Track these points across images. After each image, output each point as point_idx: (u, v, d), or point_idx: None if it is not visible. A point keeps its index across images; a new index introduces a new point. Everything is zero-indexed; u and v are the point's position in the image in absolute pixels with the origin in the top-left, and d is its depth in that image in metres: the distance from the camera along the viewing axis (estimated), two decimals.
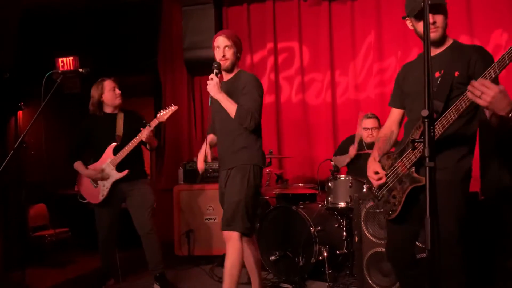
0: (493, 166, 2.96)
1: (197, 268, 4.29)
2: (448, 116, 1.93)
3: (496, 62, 1.76)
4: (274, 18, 5.18)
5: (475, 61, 2.02)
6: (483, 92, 1.71)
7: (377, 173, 2.24)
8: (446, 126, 1.94)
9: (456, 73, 2.02)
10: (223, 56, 2.82)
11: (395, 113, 2.38)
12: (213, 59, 5.14)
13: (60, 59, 5.66)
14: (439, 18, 2.07)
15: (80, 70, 3.10)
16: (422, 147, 1.94)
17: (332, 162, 4.12)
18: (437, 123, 1.94)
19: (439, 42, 2.13)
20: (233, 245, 2.75)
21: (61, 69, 5.61)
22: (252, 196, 2.82)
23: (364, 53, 4.87)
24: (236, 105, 2.73)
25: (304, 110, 5.09)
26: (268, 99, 5.19)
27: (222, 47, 2.83)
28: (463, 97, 1.87)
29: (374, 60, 4.79)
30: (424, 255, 2.84)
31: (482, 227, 3.01)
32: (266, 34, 5.21)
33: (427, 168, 1.33)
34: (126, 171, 3.50)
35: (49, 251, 4.94)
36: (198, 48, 5.17)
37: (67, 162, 3.62)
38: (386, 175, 2.22)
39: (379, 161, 2.29)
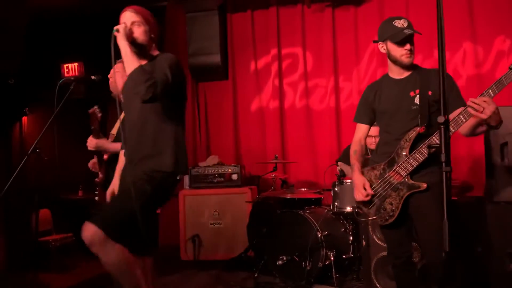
0: (498, 172, 3.01)
1: (202, 272, 4.31)
2: (432, 141, 2.20)
3: (495, 83, 2.06)
4: (278, 24, 5.24)
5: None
6: (484, 107, 2.02)
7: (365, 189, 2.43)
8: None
9: (430, 93, 2.29)
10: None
11: (363, 129, 2.65)
12: (217, 65, 5.26)
13: (65, 65, 5.69)
14: (413, 46, 2.37)
15: (92, 77, 3.09)
16: (418, 157, 2.25)
17: (338, 167, 4.15)
18: (434, 136, 2.21)
19: (409, 66, 2.40)
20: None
21: (66, 75, 5.64)
22: (141, 206, 2.17)
23: (368, 59, 4.93)
24: (138, 64, 2.19)
25: (308, 115, 5.13)
26: (272, 104, 5.24)
27: (128, 25, 2.32)
28: (462, 112, 2.13)
29: (377, 66, 4.85)
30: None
31: (486, 231, 3.05)
32: (270, 40, 5.26)
33: (444, 172, 1.37)
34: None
35: (54, 256, 4.95)
36: (202, 54, 5.22)
37: None
38: (375, 187, 2.42)
39: (363, 174, 2.50)
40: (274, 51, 5.24)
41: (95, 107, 2.96)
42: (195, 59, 5.24)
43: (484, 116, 2.03)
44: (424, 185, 2.25)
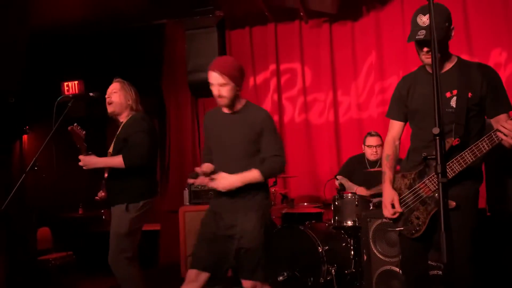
0: (498, 183, 3.00)
1: None
2: (466, 157, 2.03)
3: None
4: (276, 40, 5.28)
5: (487, 83, 2.10)
6: None
7: (393, 206, 2.26)
8: (478, 155, 2.02)
9: (470, 94, 2.08)
10: (219, 95, 2.51)
11: (396, 126, 2.39)
12: None
13: (66, 83, 5.73)
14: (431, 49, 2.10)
15: (91, 94, 3.10)
16: (448, 172, 2.02)
17: (337, 181, 4.14)
18: (467, 151, 2.03)
19: (439, 65, 2.13)
20: None
21: (66, 93, 5.68)
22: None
23: (366, 73, 4.95)
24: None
25: (307, 129, 5.14)
26: None
27: (216, 85, 2.50)
28: (484, 138, 1.97)
29: (375, 80, 4.87)
30: (435, 272, 2.86)
31: (490, 243, 3.03)
32: (269, 56, 5.30)
33: (440, 184, 1.36)
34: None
35: (54, 275, 4.90)
36: (201, 70, 5.21)
37: None
38: (404, 197, 2.25)
39: (394, 182, 2.31)
40: (272, 67, 5.28)
41: (75, 124, 2.93)
42: (194, 75, 5.26)
43: None
44: (453, 204, 2.04)
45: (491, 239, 3.07)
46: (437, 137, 1.40)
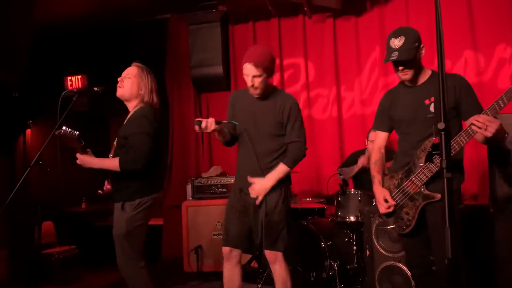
0: (502, 180, 3.00)
1: (206, 284, 4.29)
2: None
3: (488, 109, 2.14)
4: (279, 35, 5.26)
5: (459, 88, 2.37)
6: (488, 125, 2.08)
7: (386, 201, 2.46)
8: (458, 148, 2.24)
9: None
10: (252, 85, 2.72)
11: (382, 137, 2.67)
12: (219, 76, 5.27)
13: (69, 78, 5.74)
14: (407, 65, 2.37)
15: (95, 88, 3.08)
16: (432, 167, 2.29)
17: (339, 176, 4.13)
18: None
19: (414, 80, 2.44)
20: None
21: (69, 87, 5.68)
22: None
23: (369, 69, 4.93)
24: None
25: (310, 125, 5.12)
26: None
27: (250, 76, 2.71)
28: (462, 133, 2.20)
29: (379, 76, 4.84)
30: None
31: (492, 239, 3.02)
32: (272, 51, 5.27)
33: (445, 179, 1.36)
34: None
35: (57, 268, 4.93)
36: (205, 65, 5.26)
37: None
38: (394, 195, 2.47)
39: (383, 183, 2.53)
40: (276, 62, 5.25)
41: (63, 128, 2.70)
42: (197, 70, 5.27)
43: (488, 134, 2.08)
44: (438, 196, 2.28)
45: (493, 236, 3.06)
46: (442, 132, 1.39)
